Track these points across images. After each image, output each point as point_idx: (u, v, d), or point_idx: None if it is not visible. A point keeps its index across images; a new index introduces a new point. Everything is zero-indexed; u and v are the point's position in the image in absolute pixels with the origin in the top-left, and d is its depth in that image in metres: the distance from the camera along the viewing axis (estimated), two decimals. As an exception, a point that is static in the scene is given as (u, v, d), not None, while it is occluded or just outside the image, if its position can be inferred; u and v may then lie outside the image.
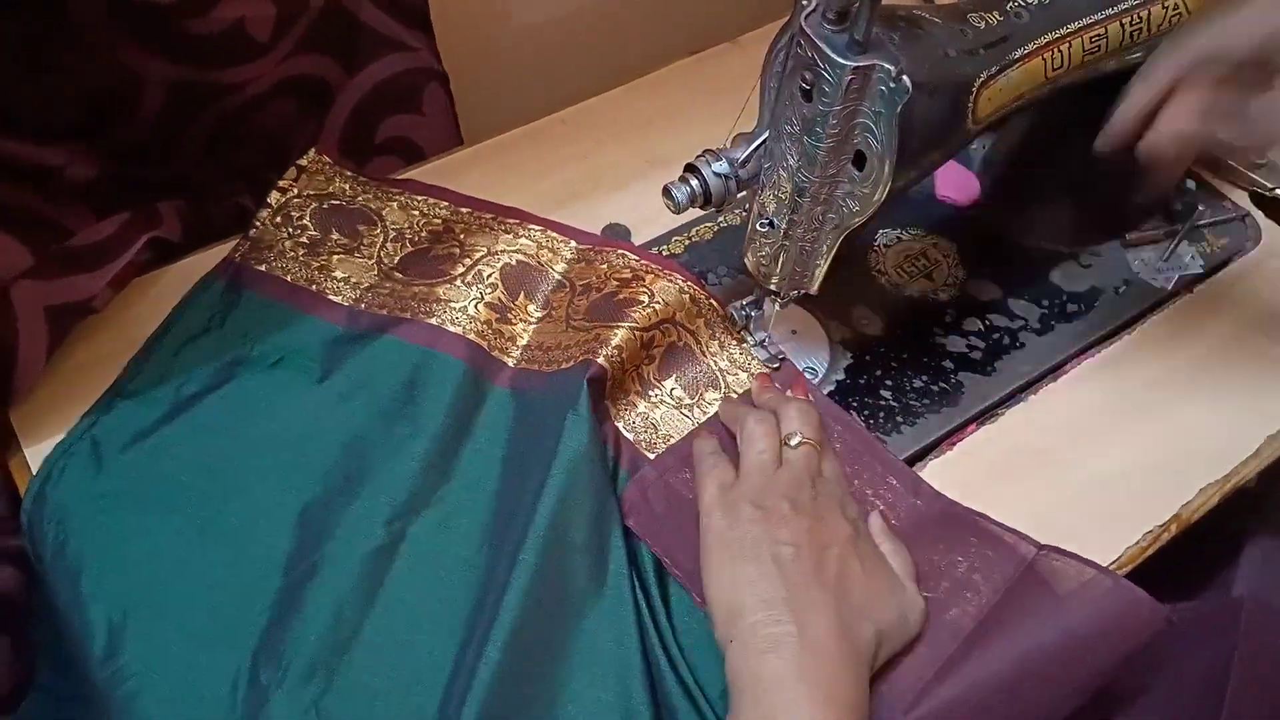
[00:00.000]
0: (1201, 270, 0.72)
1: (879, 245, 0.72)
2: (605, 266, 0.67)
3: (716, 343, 0.65)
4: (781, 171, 0.53)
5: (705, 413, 0.62)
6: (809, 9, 0.47)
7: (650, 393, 0.63)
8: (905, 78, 0.45)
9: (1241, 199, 0.75)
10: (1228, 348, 0.68)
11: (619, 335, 0.61)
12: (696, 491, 0.56)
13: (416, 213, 0.72)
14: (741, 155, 0.55)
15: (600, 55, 0.90)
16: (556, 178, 0.76)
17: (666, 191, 0.56)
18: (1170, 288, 0.71)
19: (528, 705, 0.50)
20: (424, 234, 0.70)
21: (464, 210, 0.72)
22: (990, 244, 0.72)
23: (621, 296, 0.64)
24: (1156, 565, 0.61)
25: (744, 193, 0.57)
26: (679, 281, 0.64)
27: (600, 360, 0.59)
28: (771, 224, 0.56)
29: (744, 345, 0.65)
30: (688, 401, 0.63)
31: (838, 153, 0.49)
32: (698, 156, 0.56)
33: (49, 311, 0.61)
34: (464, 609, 0.54)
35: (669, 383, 0.63)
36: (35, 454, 0.60)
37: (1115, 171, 0.69)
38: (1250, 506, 0.83)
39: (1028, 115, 0.72)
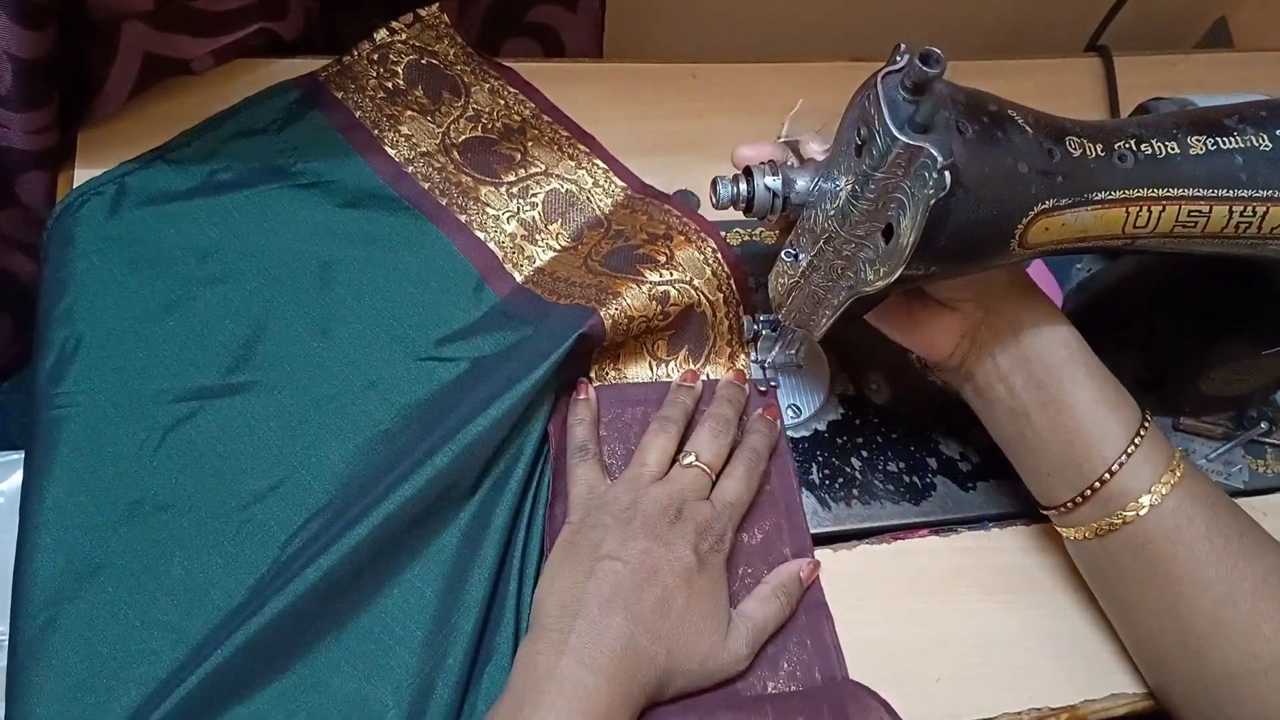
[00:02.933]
0: (1242, 487, 0.67)
1: (928, 321, 0.69)
2: (644, 217, 0.66)
3: (727, 324, 0.64)
4: (819, 212, 0.51)
5: (670, 374, 0.63)
6: (894, 68, 0.44)
7: (650, 360, 0.64)
8: (947, 174, 0.42)
9: (1326, 433, 0.70)
10: (1223, 572, 0.63)
11: (629, 294, 0.60)
12: (567, 480, 0.57)
13: (502, 102, 0.72)
14: (800, 180, 0.54)
15: (769, 26, 0.88)
16: (660, 125, 0.75)
17: (714, 183, 0.55)
18: (1199, 488, 0.66)
19: (360, 581, 0.52)
20: (499, 125, 0.71)
21: (545, 119, 0.72)
22: (1040, 367, 0.69)
23: (641, 252, 0.63)
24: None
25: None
26: (708, 251, 0.63)
27: (603, 314, 0.59)
28: (796, 257, 0.54)
29: (745, 353, 0.64)
30: (663, 357, 0.63)
31: (871, 218, 0.48)
32: (760, 163, 0.55)
33: (147, 57, 0.65)
34: (360, 474, 0.56)
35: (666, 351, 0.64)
36: (82, 176, 0.64)
37: (1204, 352, 0.65)
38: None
39: (1142, 263, 0.68)
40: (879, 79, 0.44)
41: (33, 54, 0.58)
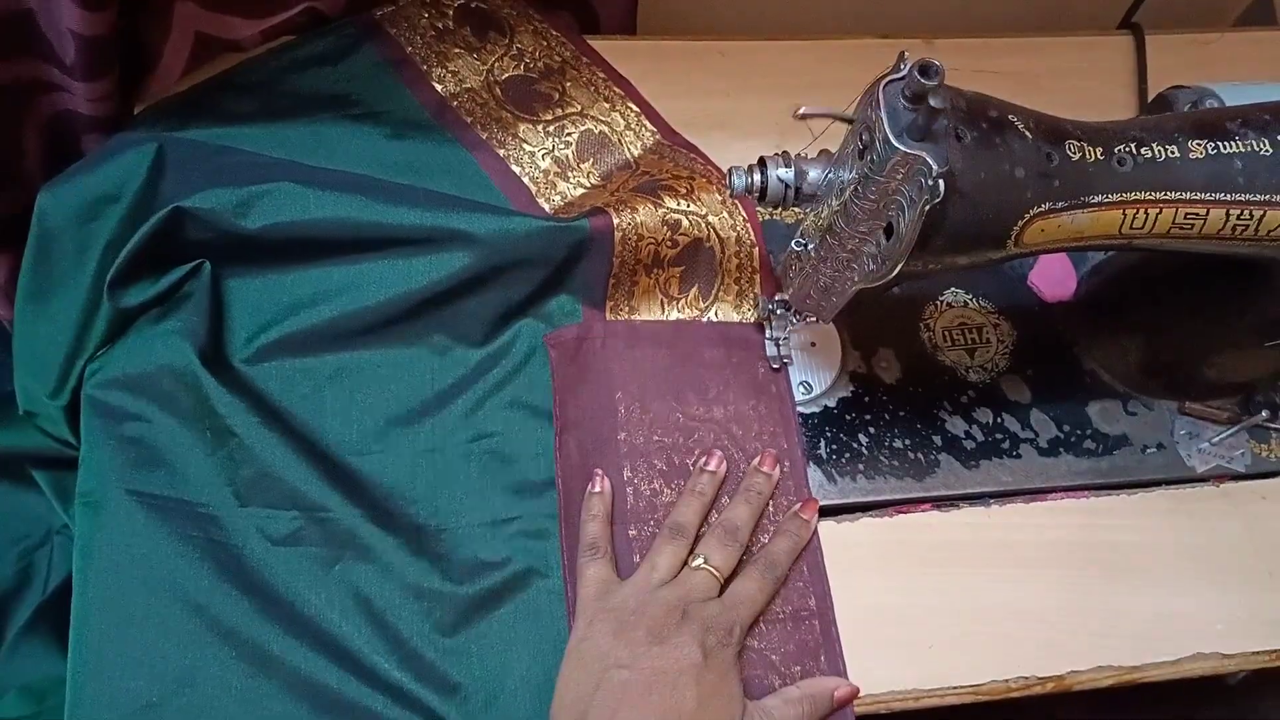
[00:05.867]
0: (1243, 470, 0.69)
1: (940, 301, 0.71)
2: (671, 164, 0.70)
3: (736, 263, 0.67)
4: (825, 207, 0.54)
5: (680, 313, 0.67)
6: (896, 76, 0.46)
7: (663, 298, 0.68)
8: (941, 182, 0.45)
9: (1330, 422, 0.71)
10: (1219, 554, 0.65)
11: (643, 210, 0.64)
12: (576, 572, 0.58)
13: (545, 43, 0.76)
14: (812, 172, 0.56)
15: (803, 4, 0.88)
16: (688, 104, 0.77)
17: (729, 173, 0.57)
18: (1200, 471, 0.68)
19: None
20: (540, 65, 0.75)
21: (584, 60, 0.76)
22: (1049, 349, 0.71)
23: (664, 182, 0.67)
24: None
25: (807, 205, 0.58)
26: (728, 196, 0.67)
27: (615, 220, 0.63)
28: (805, 247, 0.57)
29: (754, 303, 0.68)
30: (675, 295, 0.67)
31: (872, 216, 0.50)
32: (773, 154, 0.57)
33: (199, 36, 0.68)
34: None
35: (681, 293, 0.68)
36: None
37: (1211, 339, 0.67)
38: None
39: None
40: (881, 86, 0.46)
41: (92, 31, 0.62)
